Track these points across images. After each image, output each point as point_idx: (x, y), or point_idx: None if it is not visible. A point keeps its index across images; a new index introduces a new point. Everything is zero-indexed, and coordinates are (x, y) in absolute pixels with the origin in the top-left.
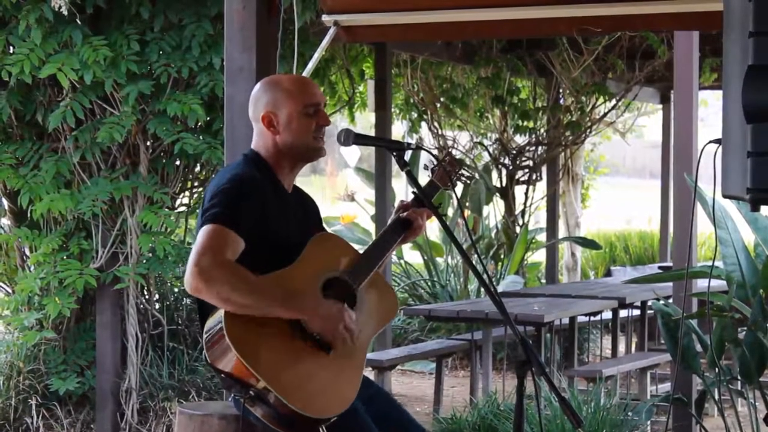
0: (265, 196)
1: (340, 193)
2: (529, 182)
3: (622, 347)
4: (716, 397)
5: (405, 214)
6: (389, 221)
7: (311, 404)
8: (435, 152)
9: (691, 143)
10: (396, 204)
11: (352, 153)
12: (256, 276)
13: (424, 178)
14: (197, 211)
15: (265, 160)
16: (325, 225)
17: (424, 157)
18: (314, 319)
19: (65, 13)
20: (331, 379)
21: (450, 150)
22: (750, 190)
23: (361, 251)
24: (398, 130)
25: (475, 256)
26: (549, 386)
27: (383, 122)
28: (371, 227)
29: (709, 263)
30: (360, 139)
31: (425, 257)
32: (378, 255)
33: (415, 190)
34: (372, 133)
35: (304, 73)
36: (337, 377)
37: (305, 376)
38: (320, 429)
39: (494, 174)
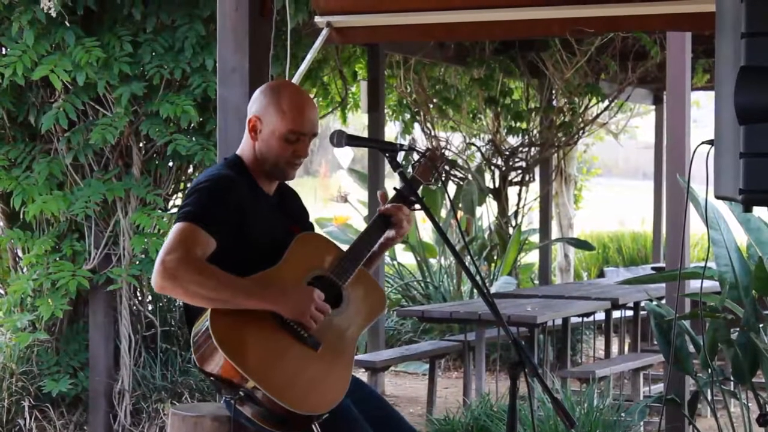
0: (241, 197)
1: (333, 194)
2: (522, 183)
3: (615, 348)
4: (709, 397)
5: (384, 208)
6: (373, 217)
7: (302, 401)
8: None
9: (684, 144)
10: (378, 195)
11: (345, 154)
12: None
13: None
14: None
15: (245, 164)
16: (317, 226)
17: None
18: (284, 306)
19: (54, 15)
20: (320, 376)
21: (434, 146)
22: (742, 191)
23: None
24: (391, 131)
25: (468, 257)
26: (542, 387)
27: (376, 123)
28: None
29: (702, 264)
30: (353, 140)
31: (418, 258)
32: (362, 251)
33: (396, 186)
34: (365, 134)
35: (297, 74)
36: (327, 373)
37: (294, 374)
38: (313, 425)
39: (487, 175)
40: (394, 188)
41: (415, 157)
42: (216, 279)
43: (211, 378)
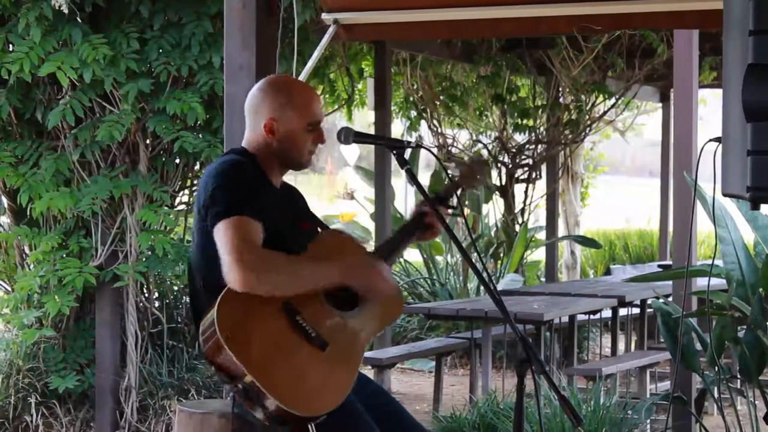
0: (255, 184)
1: (340, 191)
2: (528, 181)
3: (621, 346)
4: (716, 395)
5: (421, 210)
6: (408, 219)
7: (299, 402)
8: (435, 150)
9: (691, 142)
10: (415, 205)
11: (352, 151)
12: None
13: (423, 177)
14: None
15: (254, 157)
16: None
17: (424, 156)
18: (354, 273)
19: (65, 11)
20: (323, 377)
21: (480, 155)
22: (750, 189)
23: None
24: (397, 128)
25: (475, 254)
26: (549, 385)
27: (383, 120)
28: (371, 225)
29: (709, 262)
30: (360, 138)
31: (425, 255)
32: (389, 255)
33: (447, 188)
34: (371, 131)
35: (304, 72)
36: (330, 375)
37: (296, 374)
38: (310, 426)
39: (494, 172)
40: (433, 191)
41: (424, 153)
42: (288, 265)
43: (214, 367)
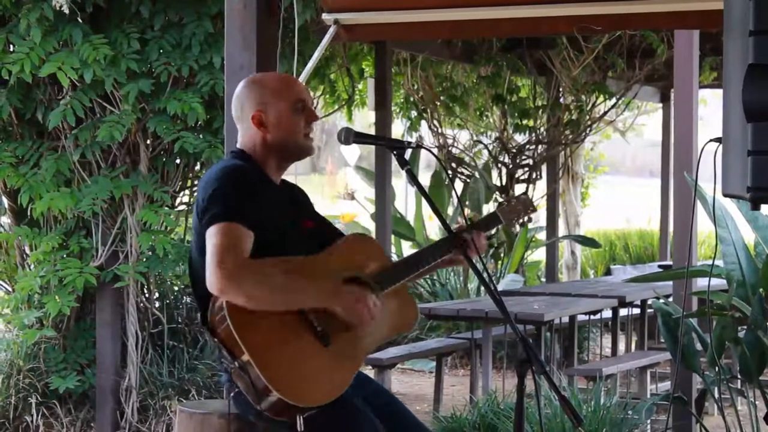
0: (255, 187)
1: (340, 191)
2: (528, 181)
3: (622, 346)
4: (716, 395)
5: (457, 230)
6: (440, 240)
7: (290, 389)
8: (435, 151)
9: (691, 142)
10: (455, 225)
11: (352, 151)
12: (276, 265)
13: (423, 177)
14: None
15: (252, 158)
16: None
17: (425, 157)
18: (339, 300)
19: (66, 11)
20: (319, 372)
21: (527, 194)
22: (750, 189)
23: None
24: (398, 128)
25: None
26: (549, 385)
27: (383, 121)
28: (371, 226)
29: (710, 262)
30: (360, 138)
31: None
32: (412, 267)
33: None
34: (371, 131)
35: (304, 72)
36: (327, 371)
37: (293, 361)
38: (298, 418)
39: (494, 172)
40: (470, 218)
41: (424, 154)
42: (272, 280)
43: (216, 340)
